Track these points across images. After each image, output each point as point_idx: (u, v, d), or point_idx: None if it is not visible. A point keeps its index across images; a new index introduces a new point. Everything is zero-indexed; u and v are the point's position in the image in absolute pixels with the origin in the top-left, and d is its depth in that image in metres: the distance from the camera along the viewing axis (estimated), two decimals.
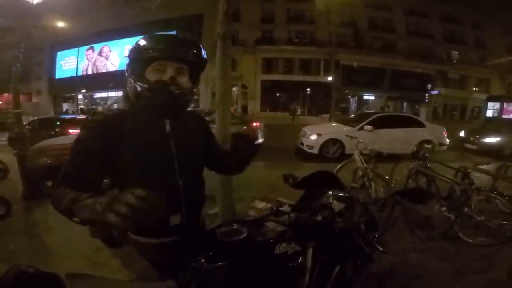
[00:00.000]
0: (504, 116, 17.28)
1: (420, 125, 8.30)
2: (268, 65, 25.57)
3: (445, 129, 8.52)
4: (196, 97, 25.35)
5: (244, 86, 25.46)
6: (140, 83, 0.97)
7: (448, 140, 8.29)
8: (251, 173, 5.68)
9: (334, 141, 7.54)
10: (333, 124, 9.58)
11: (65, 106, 27.01)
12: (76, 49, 25.21)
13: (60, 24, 16.40)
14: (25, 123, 6.34)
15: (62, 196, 0.83)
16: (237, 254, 0.98)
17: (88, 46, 25.41)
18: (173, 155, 1.04)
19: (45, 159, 4.13)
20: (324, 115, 20.89)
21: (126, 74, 1.01)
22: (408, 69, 25.79)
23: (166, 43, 0.99)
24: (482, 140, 9.14)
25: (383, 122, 7.80)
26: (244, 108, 24.86)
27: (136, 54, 0.98)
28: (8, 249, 2.62)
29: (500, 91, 25.79)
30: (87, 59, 25.82)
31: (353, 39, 25.24)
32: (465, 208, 3.05)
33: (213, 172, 1.43)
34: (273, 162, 6.43)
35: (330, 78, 21.23)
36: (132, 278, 1.00)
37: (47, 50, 26.49)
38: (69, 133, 7.06)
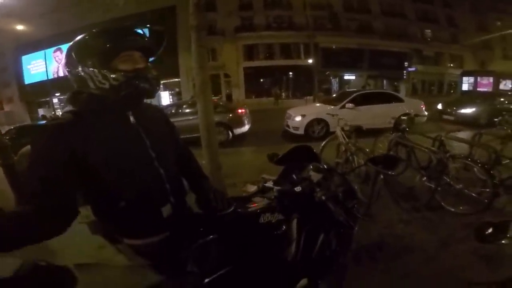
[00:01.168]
0: (479, 89, 17.99)
1: (399, 100, 8.65)
2: (250, 52, 25.41)
3: (422, 103, 8.90)
4: (178, 89, 24.75)
5: (226, 75, 25.25)
6: (119, 74, 0.91)
7: (426, 113, 8.60)
8: (241, 158, 5.83)
9: (318, 121, 7.74)
10: (317, 105, 9.88)
11: (40, 111, 25.62)
12: (42, 51, 23.72)
13: (20, 27, 15.46)
14: None
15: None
16: (225, 226, 1.07)
17: (55, 48, 24.00)
18: (147, 145, 1.01)
19: None
20: (308, 97, 21.26)
21: (82, 72, 0.92)
22: (385, 48, 26.26)
23: (130, 33, 0.98)
24: (459, 111, 9.59)
25: (363, 99, 8.12)
26: (228, 96, 24.69)
27: (99, 47, 0.92)
28: (13, 255, 2.51)
29: (473, 67, 26.96)
30: (56, 61, 24.45)
31: (330, 22, 25.29)
32: (444, 176, 3.14)
33: (203, 161, 1.47)
34: (262, 146, 6.49)
35: (310, 61, 21.43)
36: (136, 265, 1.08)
37: (10, 55, 24.84)
38: None
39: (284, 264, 1.14)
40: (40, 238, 0.78)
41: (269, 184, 1.30)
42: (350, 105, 7.68)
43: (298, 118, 7.81)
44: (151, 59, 1.05)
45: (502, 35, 21.02)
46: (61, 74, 24.36)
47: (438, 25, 28.27)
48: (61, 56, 24.25)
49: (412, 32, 27.46)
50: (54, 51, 24.48)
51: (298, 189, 1.19)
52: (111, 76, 0.91)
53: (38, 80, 24.73)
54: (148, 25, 1.04)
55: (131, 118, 1.01)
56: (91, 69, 0.91)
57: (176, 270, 0.97)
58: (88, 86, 0.93)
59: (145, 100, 1.08)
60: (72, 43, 0.96)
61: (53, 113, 23.17)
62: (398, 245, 2.52)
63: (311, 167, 1.33)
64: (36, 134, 0.87)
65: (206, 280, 0.94)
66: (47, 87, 22.02)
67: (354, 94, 8.34)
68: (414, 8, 27.46)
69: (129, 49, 0.94)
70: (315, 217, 1.21)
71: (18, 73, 25.87)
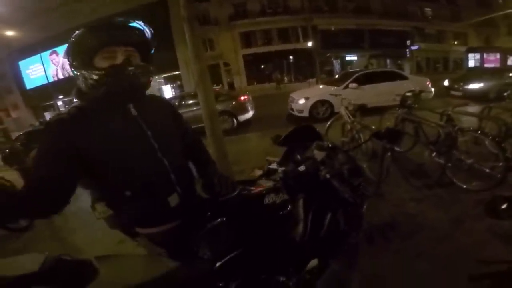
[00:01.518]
0: (486, 65, 17.69)
1: (403, 78, 8.58)
2: (247, 40, 25.17)
3: (428, 80, 8.80)
4: (179, 82, 24.69)
5: (226, 64, 25.10)
6: (95, 72, 0.92)
7: (433, 89, 8.55)
8: (248, 144, 5.91)
9: (322, 102, 7.75)
10: (320, 87, 9.88)
11: (47, 115, 25.71)
12: (38, 55, 23.53)
13: (10, 32, 15.28)
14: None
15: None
16: (231, 209, 1.09)
17: (51, 51, 23.74)
18: (148, 135, 1.02)
19: None
20: (310, 80, 21.29)
21: (74, 71, 0.96)
22: (386, 27, 25.86)
23: (107, 29, 0.95)
24: (466, 86, 9.39)
25: (367, 78, 8.06)
26: (230, 85, 24.63)
27: (80, 47, 0.93)
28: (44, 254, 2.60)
29: (478, 43, 26.44)
30: (54, 64, 24.29)
31: (326, 4, 24.86)
32: (454, 151, 3.02)
33: (209, 150, 1.49)
34: (267, 131, 6.42)
35: (310, 44, 21.20)
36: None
37: (6, 61, 24.53)
38: None
39: (293, 245, 1.15)
40: (29, 215, 0.92)
41: (274, 165, 1.31)
42: (354, 84, 7.64)
43: (302, 101, 7.80)
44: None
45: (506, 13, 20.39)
46: (60, 76, 24.33)
47: (438, 3, 27.68)
48: (58, 59, 24.16)
49: (411, 11, 26.90)
50: (50, 54, 24.29)
51: (302, 168, 1.19)
52: (89, 76, 0.92)
53: (39, 84, 24.76)
54: (139, 30, 1.00)
55: (133, 111, 1.02)
56: (76, 70, 0.95)
57: (188, 256, 0.99)
58: (84, 83, 0.95)
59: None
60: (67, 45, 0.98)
61: None
62: (410, 224, 2.44)
63: (314, 145, 1.32)
64: (44, 129, 0.93)
65: (218, 264, 0.96)
66: (49, 90, 22.04)
67: (357, 74, 8.27)
68: None
69: (106, 45, 0.93)
70: (321, 196, 1.21)
71: (18, 79, 25.78)
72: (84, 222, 2.86)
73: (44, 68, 23.62)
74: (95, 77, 0.91)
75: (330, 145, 1.36)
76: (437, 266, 1.91)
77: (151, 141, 1.02)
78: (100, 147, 0.93)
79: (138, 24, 0.98)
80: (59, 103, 24.56)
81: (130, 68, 0.94)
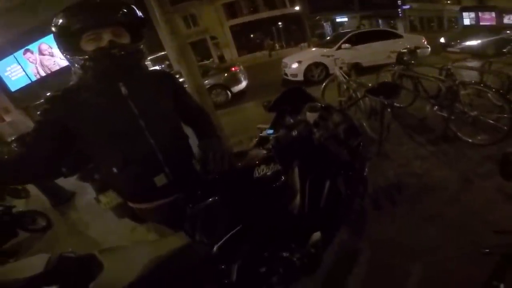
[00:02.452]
0: (481, 23, 17.59)
1: (398, 36, 8.50)
2: (232, 10, 24.14)
3: (423, 37, 8.72)
4: (168, 62, 23.98)
5: (213, 37, 24.36)
6: (79, 57, 0.92)
7: (428, 46, 8.43)
8: (244, 114, 5.90)
9: (316, 65, 7.63)
10: (312, 49, 9.64)
11: None
12: (11, 56, 22.51)
13: None
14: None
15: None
16: (222, 186, 1.02)
17: (23, 49, 22.88)
18: (136, 115, 1.01)
19: None
20: (302, 44, 20.88)
21: (63, 55, 0.99)
22: None
23: (90, 10, 0.91)
24: (464, 43, 9.24)
25: (360, 38, 7.93)
26: (221, 58, 23.98)
27: (63, 31, 0.92)
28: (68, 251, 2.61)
29: (471, 2, 25.28)
30: (31, 62, 23.27)
31: None
32: (457, 104, 2.84)
33: None
34: (263, 99, 6.19)
35: (297, 8, 20.42)
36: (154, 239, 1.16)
37: None
38: None
39: (291, 218, 1.10)
40: (19, 179, 0.97)
41: (265, 133, 1.21)
42: (347, 45, 7.56)
43: (295, 65, 7.68)
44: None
45: None
46: (42, 73, 23.33)
47: None
48: (34, 56, 23.05)
49: None
50: (24, 53, 23.15)
51: (294, 133, 1.08)
52: (75, 60, 0.94)
53: (23, 84, 23.95)
54: (126, 7, 0.96)
55: (123, 89, 1.00)
56: (64, 53, 0.97)
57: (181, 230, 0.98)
58: (73, 66, 0.97)
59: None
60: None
61: None
62: (416, 185, 2.28)
63: (306, 107, 1.20)
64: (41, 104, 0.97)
65: (216, 247, 0.93)
66: (35, 89, 21.31)
67: (349, 34, 8.14)
68: None
69: (89, 28, 0.90)
70: (317, 163, 1.11)
71: (1, 84, 24.93)
72: (96, 215, 2.91)
73: (23, 67, 22.63)
74: (79, 61, 0.92)
75: (323, 105, 1.25)
76: (447, 231, 1.77)
77: (139, 121, 1.01)
78: (88, 124, 0.95)
79: (124, 2, 0.95)
80: None
81: (113, 51, 0.91)
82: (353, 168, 1.15)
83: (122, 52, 0.93)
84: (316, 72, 7.62)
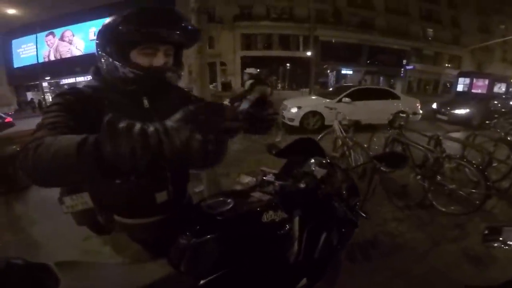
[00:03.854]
0: (473, 90, 18.17)
1: (395, 97, 8.67)
2: (247, 41, 25.12)
3: (418, 101, 8.94)
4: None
5: (222, 63, 24.91)
6: (129, 69, 0.84)
7: (421, 111, 8.69)
8: (235, 147, 5.63)
9: (313, 113, 7.72)
10: (313, 97, 9.79)
11: (29, 95, 24.72)
12: (34, 35, 22.95)
13: (11, 11, 14.76)
14: None
15: (62, 139, 0.60)
16: (225, 225, 0.96)
17: (48, 32, 23.20)
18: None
19: (14, 146, 3.84)
20: (304, 90, 21.14)
21: (100, 52, 0.88)
22: (385, 45, 26.22)
23: (159, 23, 0.83)
24: (453, 111, 9.65)
25: (360, 94, 8.06)
26: (224, 85, 24.24)
27: (119, 35, 0.83)
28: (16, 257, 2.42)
29: (471, 67, 27.01)
30: (48, 45, 23.67)
31: (332, 16, 25.09)
32: (438, 176, 3.15)
33: None
34: (255, 135, 6.32)
35: (309, 53, 21.28)
36: (125, 262, 0.99)
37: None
38: None
39: (286, 266, 1.08)
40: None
41: (270, 177, 1.21)
42: (347, 99, 7.65)
43: (294, 110, 7.76)
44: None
45: (503, 38, 21.18)
46: (52, 58, 23.73)
47: (441, 25, 28.24)
48: (53, 40, 23.60)
49: (414, 30, 27.38)
50: (47, 35, 23.74)
51: (302, 184, 1.12)
52: (122, 69, 0.85)
53: (28, 63, 23.99)
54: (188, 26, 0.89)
55: (145, 102, 0.96)
56: (106, 56, 0.86)
57: (164, 255, 0.91)
58: (110, 71, 0.88)
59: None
60: (101, 26, 0.89)
61: (42, 96, 22.58)
62: (390, 243, 2.54)
63: (314, 161, 1.27)
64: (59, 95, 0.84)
65: (202, 282, 0.88)
66: (37, 70, 21.37)
67: (352, 89, 8.28)
68: (419, 7, 27.36)
69: (150, 42, 0.84)
70: (318, 215, 1.16)
71: (8, 57, 24.86)
72: (48, 214, 2.58)
73: (37, 48, 23.02)
74: (129, 74, 0.85)
75: (330, 162, 1.31)
76: (414, 286, 2.00)
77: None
78: None
79: (187, 22, 0.88)
80: (44, 84, 23.91)
81: (168, 74, 0.88)
82: (351, 224, 1.16)
83: (171, 75, 0.90)
84: (312, 121, 7.71)
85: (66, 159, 0.55)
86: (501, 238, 1.02)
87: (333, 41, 25.27)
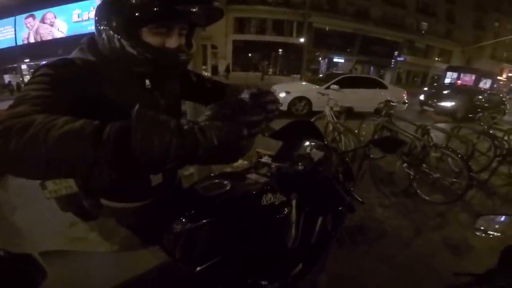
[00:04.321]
0: (459, 82, 18.62)
1: (383, 86, 8.79)
2: (241, 25, 24.55)
3: (405, 91, 9.11)
4: None
5: (214, 47, 24.37)
6: (141, 50, 0.72)
7: (407, 101, 8.91)
8: None
9: (300, 99, 7.83)
10: (303, 83, 9.86)
11: (6, 78, 23.74)
12: (12, 18, 21.99)
13: None
14: None
15: (72, 121, 0.48)
16: (222, 208, 0.90)
17: (27, 14, 22.08)
18: (161, 107, 0.89)
19: None
20: (295, 75, 21.21)
21: (100, 26, 0.74)
22: (378, 35, 26.21)
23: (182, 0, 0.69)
24: (439, 103, 9.99)
25: (349, 82, 8.17)
26: (214, 68, 23.94)
27: (130, 9, 0.68)
28: None
29: (460, 62, 27.70)
30: (27, 27, 22.70)
31: (327, 3, 24.75)
32: (424, 165, 3.25)
33: None
34: None
35: (302, 40, 21.18)
36: (114, 249, 0.93)
37: None
38: None
39: (283, 251, 1.05)
40: None
41: (266, 159, 1.18)
42: (336, 86, 7.73)
43: (283, 94, 7.84)
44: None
45: (495, 36, 21.49)
46: (32, 40, 22.81)
47: (436, 18, 28.28)
48: (34, 22, 22.64)
49: (408, 22, 27.42)
50: (26, 17, 22.80)
51: (300, 167, 1.08)
52: (130, 49, 0.72)
53: (5, 46, 22.86)
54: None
55: (147, 82, 0.86)
56: (108, 29, 0.72)
57: (156, 241, 0.86)
58: (113, 49, 0.74)
59: None
60: None
61: (21, 79, 21.88)
62: (376, 229, 2.61)
63: (312, 144, 1.24)
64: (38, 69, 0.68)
65: (198, 269, 0.84)
66: (15, 53, 20.61)
67: (341, 77, 8.36)
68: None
69: (167, 19, 0.72)
70: (315, 198, 1.14)
71: None
72: (30, 199, 2.43)
73: (15, 31, 21.96)
74: (138, 55, 0.73)
75: (327, 145, 1.28)
76: (398, 271, 2.09)
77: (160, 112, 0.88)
78: (105, 104, 0.74)
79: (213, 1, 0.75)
80: (23, 66, 23.27)
81: (182, 58, 0.79)
82: (348, 208, 1.13)
83: (183, 60, 0.81)
84: (300, 106, 7.81)
85: (77, 147, 0.44)
86: (482, 228, 1.10)
87: (327, 29, 25.05)
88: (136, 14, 0.68)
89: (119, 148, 0.44)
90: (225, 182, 0.97)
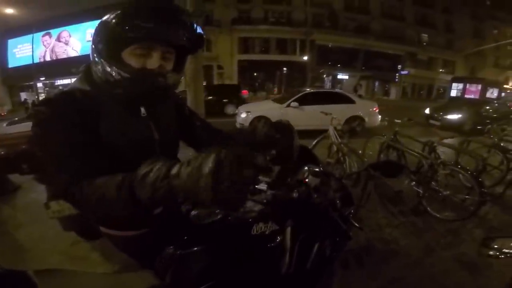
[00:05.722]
0: (466, 96, 18.37)
1: (350, 101, 8.17)
2: (245, 45, 25.38)
3: (376, 105, 8.46)
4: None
5: (220, 67, 25.05)
6: (119, 70, 0.75)
7: (379, 116, 8.15)
8: None
9: (260, 118, 7.43)
10: (267, 102, 9.60)
11: (23, 95, 24.59)
12: (30, 35, 22.94)
13: (9, 10, 14.69)
14: None
15: (103, 185, 0.65)
16: (213, 236, 0.94)
17: (44, 32, 23.08)
18: (155, 139, 0.92)
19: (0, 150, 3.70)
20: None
21: (93, 54, 0.79)
22: (380, 50, 26.61)
23: (157, 19, 0.71)
24: (445, 116, 9.67)
25: (311, 98, 7.86)
26: None
27: (112, 33, 0.73)
28: None
29: (464, 73, 27.55)
30: (44, 45, 23.60)
31: (329, 20, 25.43)
32: (433, 182, 3.16)
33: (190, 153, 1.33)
34: None
35: (305, 58, 21.38)
36: (114, 270, 0.97)
37: None
38: None
39: (276, 277, 1.05)
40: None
41: (262, 186, 1.14)
42: (295, 104, 7.52)
43: (244, 115, 7.77)
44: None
45: (496, 43, 21.50)
46: (48, 58, 23.61)
47: (436, 29, 28.72)
48: (50, 41, 23.50)
49: (409, 35, 27.81)
50: (43, 35, 23.72)
51: (295, 194, 1.08)
52: (109, 71, 0.76)
53: (23, 64, 23.76)
54: (192, 28, 0.80)
55: (142, 110, 0.89)
56: (96, 55, 0.77)
57: (151, 268, 0.90)
58: (100, 73, 0.79)
59: None
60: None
61: (36, 97, 22.41)
62: (384, 249, 2.53)
63: (307, 169, 1.23)
64: (37, 108, 0.74)
65: None
66: (31, 71, 21.29)
67: (303, 93, 8.08)
68: (414, 12, 27.84)
69: (144, 40, 0.74)
70: (310, 225, 1.14)
71: (2, 57, 24.71)
72: (35, 218, 2.59)
73: (33, 48, 22.92)
74: (116, 76, 0.75)
75: (323, 171, 1.26)
76: None
77: (155, 146, 0.91)
78: (102, 134, 0.79)
79: (192, 22, 0.78)
80: (39, 84, 23.81)
81: (160, 79, 0.79)
82: (345, 235, 1.13)
83: (167, 83, 0.81)
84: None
85: (109, 202, 0.64)
86: (496, 246, 1.03)
87: (330, 45, 25.57)
88: (114, 36, 0.73)
89: (132, 198, 0.62)
90: (217, 210, 1.00)
